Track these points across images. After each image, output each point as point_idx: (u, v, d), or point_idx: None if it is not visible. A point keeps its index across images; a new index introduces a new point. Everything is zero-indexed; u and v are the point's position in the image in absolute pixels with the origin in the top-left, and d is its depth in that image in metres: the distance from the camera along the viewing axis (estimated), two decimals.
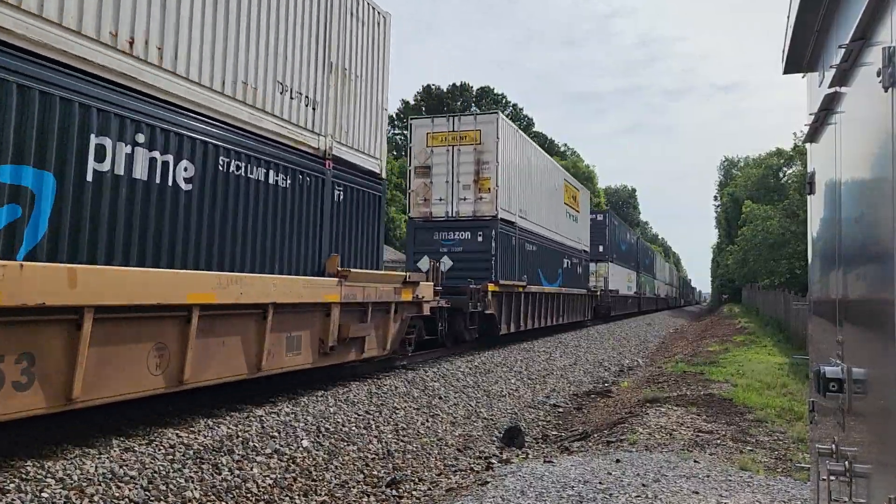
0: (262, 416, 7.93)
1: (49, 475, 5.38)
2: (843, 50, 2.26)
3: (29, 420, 6.06)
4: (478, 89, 74.68)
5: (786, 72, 3.70)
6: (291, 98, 9.03)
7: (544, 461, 7.23)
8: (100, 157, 6.12)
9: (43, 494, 5.09)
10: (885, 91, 1.79)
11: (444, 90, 73.27)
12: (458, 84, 73.81)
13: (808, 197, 3.77)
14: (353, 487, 7.06)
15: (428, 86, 73.86)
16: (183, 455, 6.36)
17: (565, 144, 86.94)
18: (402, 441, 8.72)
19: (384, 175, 11.59)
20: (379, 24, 11.52)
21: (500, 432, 10.17)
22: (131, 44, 6.48)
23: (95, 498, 5.26)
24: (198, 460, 6.37)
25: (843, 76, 2.48)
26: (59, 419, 6.62)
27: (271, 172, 8.57)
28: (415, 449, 8.63)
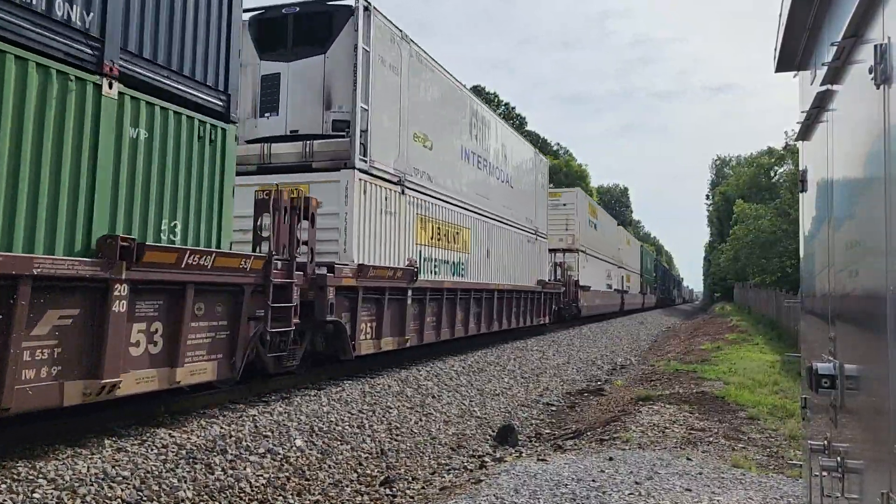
0: (255, 415, 7.91)
1: (41, 476, 5.34)
2: (836, 47, 2.27)
3: (22, 419, 6.02)
4: (469, 88, 74.61)
5: (778, 70, 3.71)
6: None
7: (538, 459, 7.23)
8: None
9: (35, 495, 5.06)
10: (878, 88, 1.80)
11: None
12: None
13: (801, 195, 3.78)
14: (347, 486, 7.05)
15: None
16: (176, 455, 6.33)
17: (558, 144, 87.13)
18: (395, 440, 8.72)
19: None
20: None
21: (493, 431, 10.18)
22: None
23: (88, 498, 5.23)
24: (190, 460, 6.35)
25: (835, 74, 2.48)
26: (52, 418, 6.59)
27: None
28: (408, 448, 8.63)
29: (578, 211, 31.89)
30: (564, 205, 31.16)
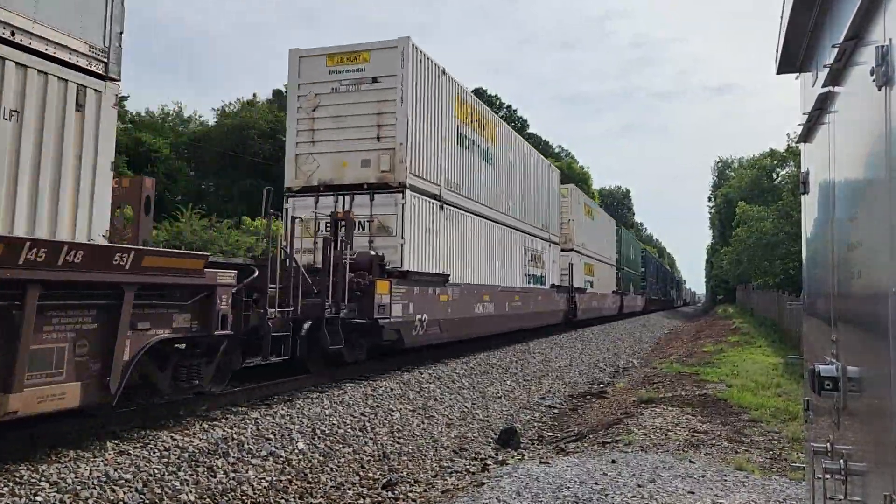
0: (257, 418, 7.91)
1: (43, 479, 5.35)
2: (837, 49, 2.27)
3: (24, 422, 6.03)
4: (472, 90, 74.68)
5: (779, 72, 3.71)
6: None
7: (540, 462, 7.22)
8: None
9: (37, 498, 5.06)
10: (879, 90, 1.79)
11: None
12: None
13: (802, 197, 3.78)
14: (349, 489, 7.05)
15: None
16: (178, 458, 6.33)
17: (560, 146, 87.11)
18: (397, 443, 8.71)
19: None
20: None
21: (495, 433, 10.17)
22: None
23: (90, 502, 5.23)
24: (193, 463, 6.35)
25: (837, 76, 2.48)
26: (54, 421, 6.59)
27: None
28: (410, 450, 8.62)
29: (409, 98, 13.29)
30: (375, 80, 13.39)
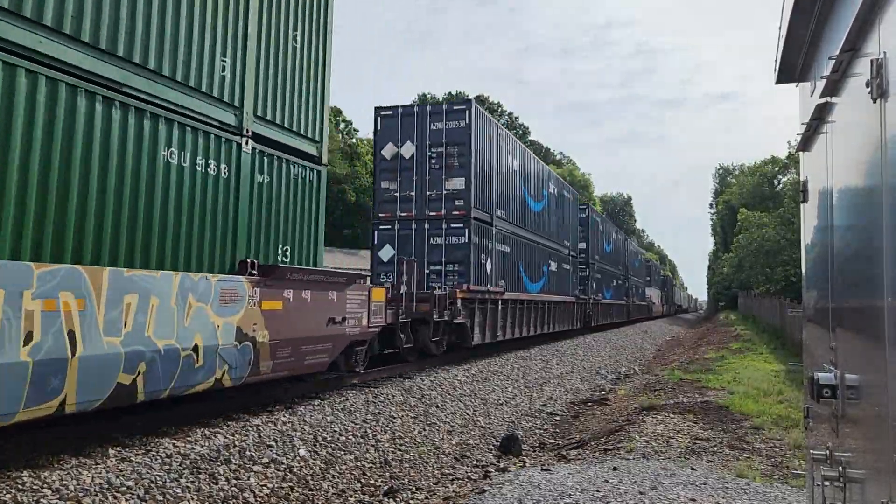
0: (258, 425, 7.92)
1: (45, 485, 5.36)
2: (833, 61, 2.30)
3: (26, 428, 6.05)
4: (474, 98, 74.95)
5: (778, 81, 3.74)
6: None
7: (541, 469, 7.23)
8: None
9: None
10: (874, 102, 1.82)
11: (440, 99, 73.49)
12: (453, 93, 74.05)
13: (801, 205, 3.80)
14: (351, 496, 7.05)
15: (423, 94, 74.06)
16: (180, 465, 6.35)
17: (561, 153, 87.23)
18: (399, 450, 8.71)
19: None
20: None
21: (497, 441, 10.16)
22: None
23: None
24: (194, 470, 6.36)
25: (834, 87, 2.51)
26: (57, 426, 6.61)
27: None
28: (412, 458, 8.62)
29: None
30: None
